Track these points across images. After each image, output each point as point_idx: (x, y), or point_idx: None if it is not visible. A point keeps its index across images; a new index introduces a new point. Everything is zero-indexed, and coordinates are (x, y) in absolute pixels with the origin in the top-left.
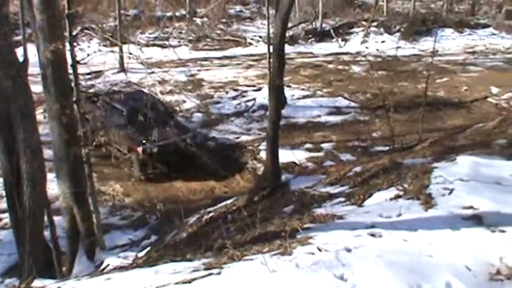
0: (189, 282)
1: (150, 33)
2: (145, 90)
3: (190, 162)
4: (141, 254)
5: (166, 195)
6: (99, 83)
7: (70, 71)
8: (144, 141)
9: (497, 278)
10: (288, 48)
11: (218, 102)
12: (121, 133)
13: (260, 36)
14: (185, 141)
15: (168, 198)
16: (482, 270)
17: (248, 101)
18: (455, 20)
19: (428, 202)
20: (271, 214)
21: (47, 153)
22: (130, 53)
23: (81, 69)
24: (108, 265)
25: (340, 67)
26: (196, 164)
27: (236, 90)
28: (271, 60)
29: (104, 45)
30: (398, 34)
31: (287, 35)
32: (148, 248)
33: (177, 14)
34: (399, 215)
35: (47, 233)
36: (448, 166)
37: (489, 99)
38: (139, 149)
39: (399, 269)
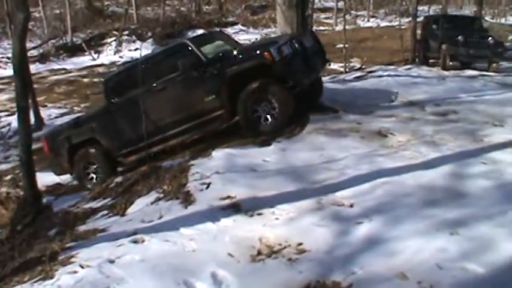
0: None
1: None
2: None
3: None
4: None
5: None
6: None
7: None
8: None
9: (259, 259)
10: (39, 67)
11: None
12: None
13: (8, 58)
14: None
15: None
16: (244, 254)
17: (2, 127)
18: (204, 21)
19: (187, 200)
20: (35, 240)
21: None
22: None
23: None
24: None
25: (96, 80)
26: None
27: None
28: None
29: None
30: (151, 40)
31: (37, 53)
32: None
33: None
34: (160, 217)
35: None
36: (205, 162)
37: None
38: None
39: (164, 269)
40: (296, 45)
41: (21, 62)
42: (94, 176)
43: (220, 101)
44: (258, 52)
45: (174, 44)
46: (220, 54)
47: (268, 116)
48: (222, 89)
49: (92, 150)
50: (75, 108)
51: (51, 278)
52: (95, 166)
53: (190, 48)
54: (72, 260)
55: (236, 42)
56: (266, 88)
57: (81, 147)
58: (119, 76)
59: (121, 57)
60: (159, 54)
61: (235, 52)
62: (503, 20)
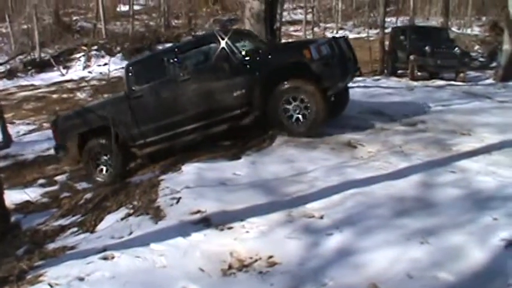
0: None
1: None
2: None
3: None
4: None
5: None
6: None
7: None
8: None
9: (230, 273)
10: (7, 83)
11: None
12: None
13: None
14: None
15: None
16: (216, 269)
17: None
18: (173, 35)
19: (157, 215)
20: (2, 260)
21: None
22: None
23: None
24: None
25: (64, 96)
26: None
27: None
28: None
29: None
30: (120, 55)
31: (4, 69)
32: None
33: None
34: (130, 233)
35: None
36: (175, 177)
37: None
38: None
39: (135, 286)
40: (334, 46)
41: None
42: (105, 168)
43: (250, 96)
44: (296, 49)
45: (205, 34)
46: (254, 49)
47: (299, 116)
48: (254, 85)
49: (105, 139)
50: (45, 124)
51: None
52: (106, 157)
53: (222, 39)
54: (41, 279)
55: (263, 41)
56: (301, 87)
57: (92, 136)
58: (143, 63)
59: (90, 72)
60: (187, 43)
61: (271, 48)
62: (469, 31)
